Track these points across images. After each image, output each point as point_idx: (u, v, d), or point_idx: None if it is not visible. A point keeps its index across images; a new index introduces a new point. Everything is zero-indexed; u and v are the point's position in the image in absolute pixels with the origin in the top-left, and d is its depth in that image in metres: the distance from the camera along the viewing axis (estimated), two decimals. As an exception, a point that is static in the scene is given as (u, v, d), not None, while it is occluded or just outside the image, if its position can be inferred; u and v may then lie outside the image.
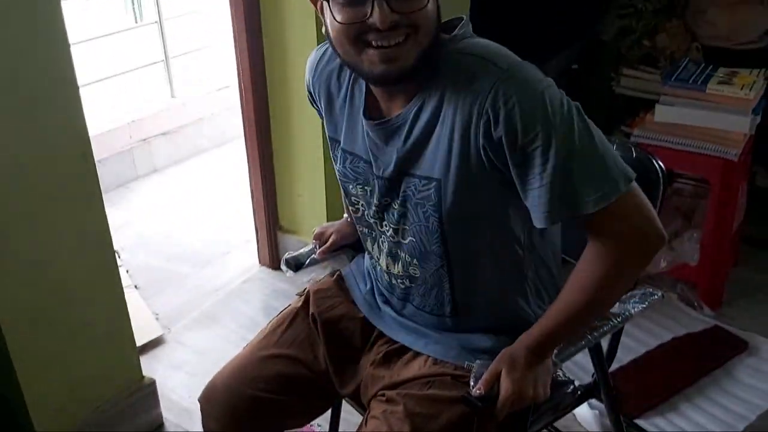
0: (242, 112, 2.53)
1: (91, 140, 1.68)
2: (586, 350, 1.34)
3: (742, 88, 2.23)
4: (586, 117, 1.11)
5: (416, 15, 1.05)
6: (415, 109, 1.14)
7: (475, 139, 1.08)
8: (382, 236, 1.27)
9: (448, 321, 1.28)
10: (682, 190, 2.74)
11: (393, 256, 1.27)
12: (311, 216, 2.57)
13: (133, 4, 3.67)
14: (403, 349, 1.31)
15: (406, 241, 1.23)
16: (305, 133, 2.42)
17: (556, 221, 1.10)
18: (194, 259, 2.87)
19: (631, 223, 1.12)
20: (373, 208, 1.25)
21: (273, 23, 2.33)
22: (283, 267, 1.53)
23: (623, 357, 2.17)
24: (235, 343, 2.38)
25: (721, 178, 2.32)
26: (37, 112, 1.56)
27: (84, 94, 1.68)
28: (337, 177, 1.32)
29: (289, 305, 1.46)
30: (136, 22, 3.67)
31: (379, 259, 1.31)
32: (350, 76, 1.23)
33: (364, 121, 1.20)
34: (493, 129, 1.06)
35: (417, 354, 1.29)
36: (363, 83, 1.21)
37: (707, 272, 2.43)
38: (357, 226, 1.35)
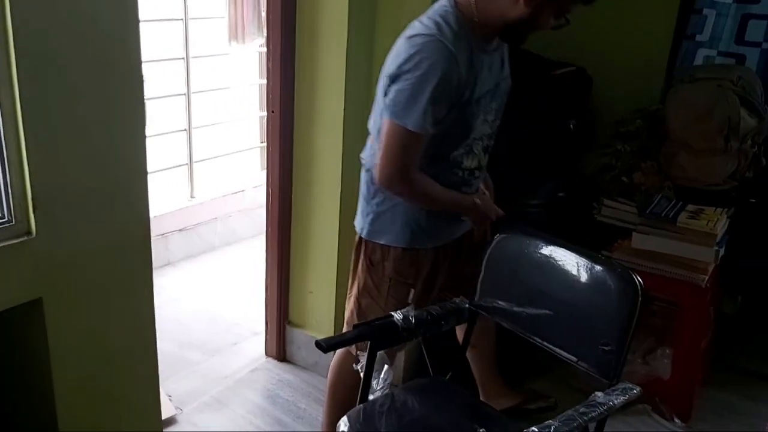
0: (267, 212, 2.80)
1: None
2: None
3: (707, 223, 2.56)
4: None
5: None
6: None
7: None
8: (487, 137, 1.98)
9: None
10: (656, 312, 3.02)
11: (486, 149, 1.99)
12: (319, 312, 2.81)
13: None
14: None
15: (494, 130, 2.00)
16: (324, 233, 2.70)
17: None
18: (204, 347, 3.06)
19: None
20: (492, 114, 1.94)
21: (304, 130, 2.65)
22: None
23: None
24: (242, 427, 2.55)
25: (690, 301, 2.62)
26: (113, 198, 1.83)
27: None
28: (468, 127, 1.90)
29: None
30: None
31: (478, 161, 1.98)
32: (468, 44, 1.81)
33: (486, 57, 1.87)
34: None
35: None
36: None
37: (678, 386, 2.68)
38: (462, 149, 1.93)
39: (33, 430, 1.91)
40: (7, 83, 1.54)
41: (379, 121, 1.90)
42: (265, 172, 4.05)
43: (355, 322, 2.06)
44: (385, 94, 1.82)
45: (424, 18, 1.84)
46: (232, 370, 2.89)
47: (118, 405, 2.00)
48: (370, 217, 2.01)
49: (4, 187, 1.61)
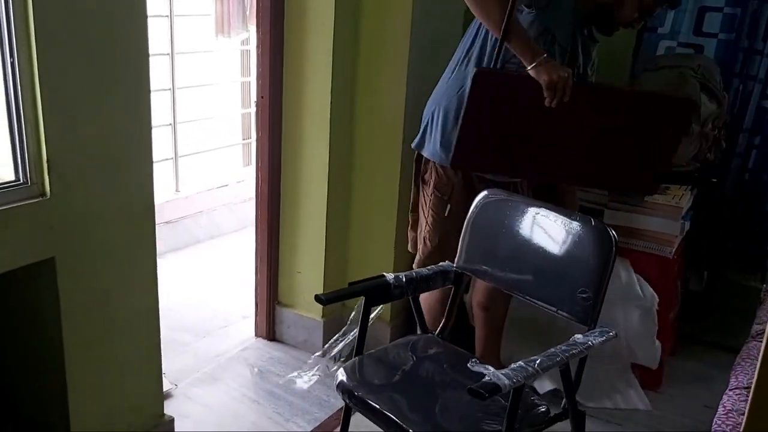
0: (256, 195, 2.91)
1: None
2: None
3: (673, 198, 2.74)
4: None
5: None
6: None
7: None
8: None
9: None
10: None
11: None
12: (308, 291, 2.91)
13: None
14: None
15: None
16: (313, 214, 2.82)
17: None
18: (195, 330, 3.15)
19: None
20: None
21: (292, 116, 2.78)
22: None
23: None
24: (237, 399, 2.65)
25: (659, 272, 2.78)
26: (121, 164, 1.94)
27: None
28: None
29: None
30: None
31: None
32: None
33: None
34: None
35: None
36: None
37: (649, 353, 2.84)
38: None
39: (43, 388, 1.99)
40: (26, 51, 1.65)
41: None
42: (247, 168, 4.19)
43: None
44: None
45: None
46: (223, 349, 2.98)
47: (124, 367, 2.09)
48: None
49: (21, 150, 1.71)
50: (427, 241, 2.41)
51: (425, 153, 2.34)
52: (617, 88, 2.30)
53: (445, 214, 2.34)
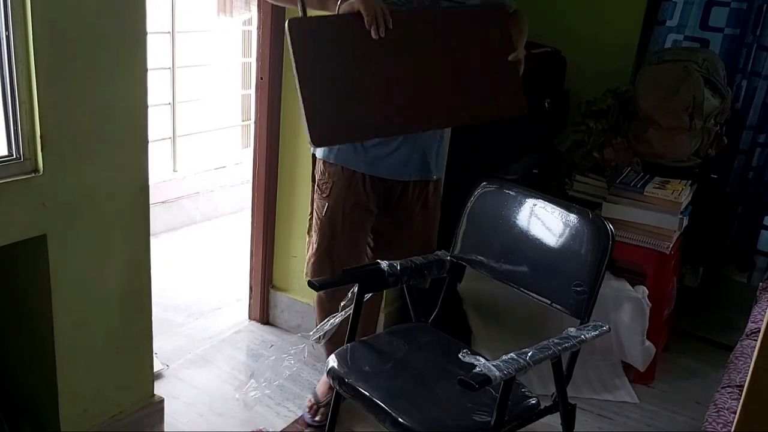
0: (253, 178, 2.89)
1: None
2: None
3: (672, 193, 2.72)
4: None
5: None
6: None
7: None
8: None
9: None
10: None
11: None
12: (302, 276, 2.88)
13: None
14: None
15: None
16: (309, 201, 2.78)
17: None
18: (188, 311, 3.14)
19: None
20: None
21: (291, 107, 2.75)
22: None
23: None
24: (227, 382, 2.65)
25: (655, 267, 2.77)
26: (116, 142, 1.91)
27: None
28: None
29: None
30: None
31: None
32: None
33: None
34: None
35: None
36: None
37: (642, 348, 2.83)
38: None
39: (32, 366, 1.98)
40: (21, 26, 1.62)
41: None
42: (246, 149, 4.17)
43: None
44: None
45: None
46: (216, 331, 2.98)
47: (114, 346, 2.07)
48: None
49: (14, 125, 1.69)
50: (313, 244, 2.29)
51: (318, 153, 2.21)
52: (439, 10, 2.10)
53: (323, 214, 2.22)
